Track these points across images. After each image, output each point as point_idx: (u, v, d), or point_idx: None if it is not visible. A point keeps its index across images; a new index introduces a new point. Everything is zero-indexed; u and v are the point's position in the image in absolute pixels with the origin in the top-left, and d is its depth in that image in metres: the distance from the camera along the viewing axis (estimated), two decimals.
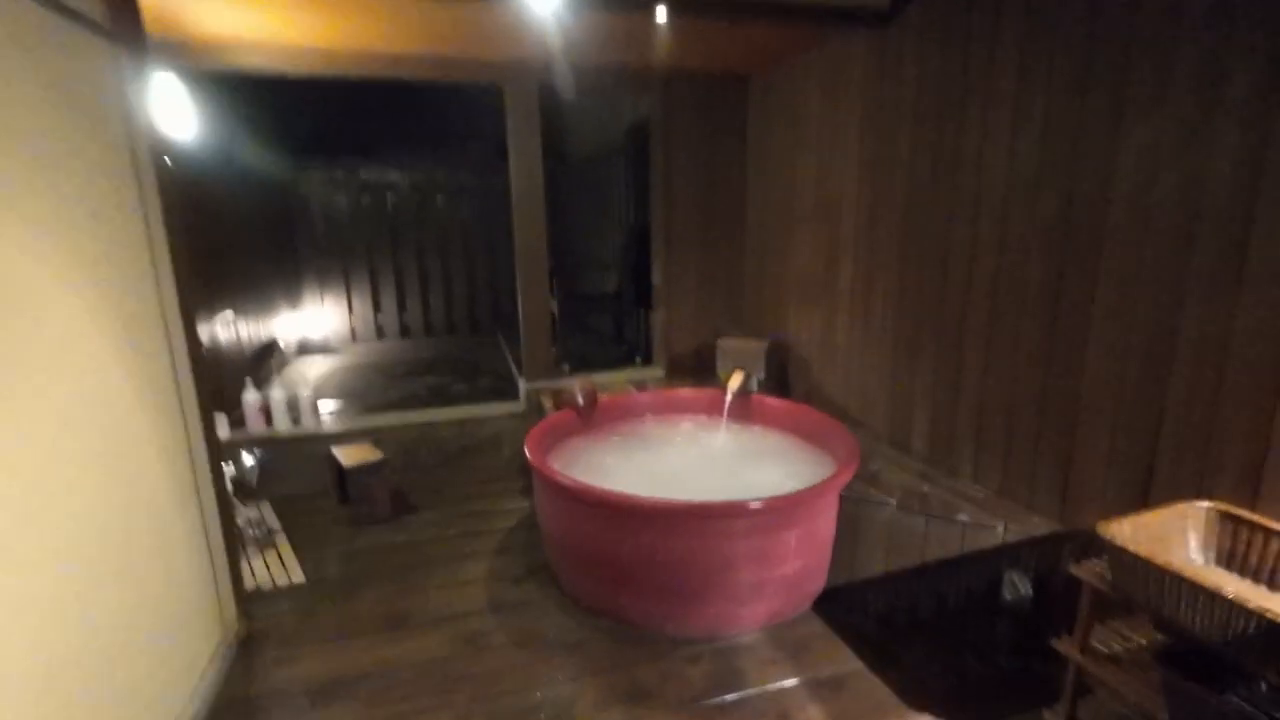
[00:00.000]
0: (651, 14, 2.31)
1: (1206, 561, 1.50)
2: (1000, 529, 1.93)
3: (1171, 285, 1.58)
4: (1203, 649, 1.28)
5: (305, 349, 5.61)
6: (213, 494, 2.05)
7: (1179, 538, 1.50)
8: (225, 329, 3.63)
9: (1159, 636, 1.54)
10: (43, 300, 1.31)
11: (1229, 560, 1.48)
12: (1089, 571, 1.50)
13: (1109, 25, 1.68)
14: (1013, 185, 1.99)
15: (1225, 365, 1.49)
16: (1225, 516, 1.48)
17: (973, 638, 2.00)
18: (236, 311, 3.91)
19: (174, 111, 2.54)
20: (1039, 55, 1.87)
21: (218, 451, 2.11)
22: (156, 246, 1.84)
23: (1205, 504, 1.50)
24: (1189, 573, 1.22)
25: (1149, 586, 1.31)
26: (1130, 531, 1.42)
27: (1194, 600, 1.23)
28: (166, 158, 2.35)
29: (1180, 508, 1.50)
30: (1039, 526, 1.92)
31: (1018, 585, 1.90)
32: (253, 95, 4.46)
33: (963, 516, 1.99)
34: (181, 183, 3.16)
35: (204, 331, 2.73)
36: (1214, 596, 1.19)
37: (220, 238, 3.82)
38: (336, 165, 5.63)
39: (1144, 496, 1.68)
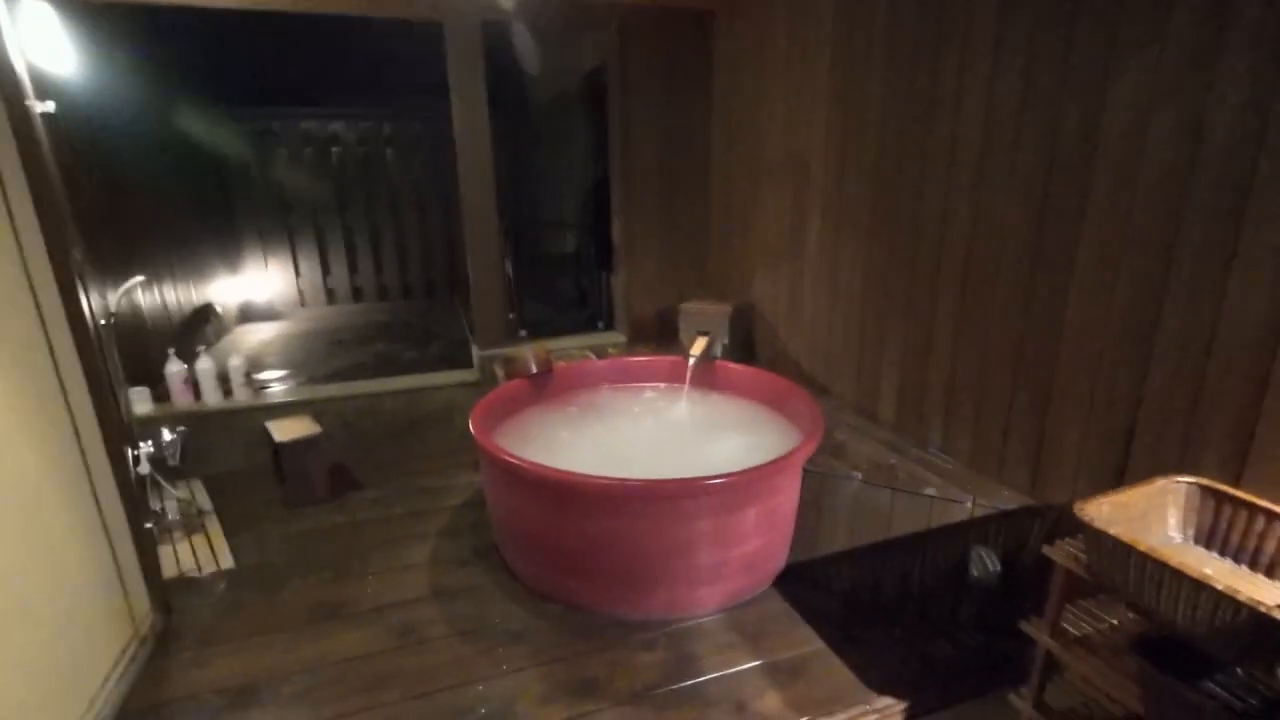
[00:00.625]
0: None
1: (1185, 540, 1.40)
2: (969, 504, 1.83)
3: (1161, 244, 1.45)
4: (1179, 636, 1.18)
5: (248, 315, 5.28)
6: (111, 478, 1.84)
7: (1158, 515, 1.40)
8: (145, 296, 3.33)
9: (1132, 618, 1.46)
10: None
11: (1209, 539, 1.38)
12: (1062, 553, 1.40)
13: None
14: (991, 133, 1.82)
15: (1215, 332, 1.37)
16: (1207, 492, 1.38)
17: (938, 616, 1.92)
18: (159, 276, 3.60)
19: (45, 46, 2.22)
20: None
21: (117, 430, 1.88)
22: (14, 204, 1.57)
23: (1186, 479, 1.39)
24: (1175, 561, 1.11)
25: (1130, 572, 1.20)
26: (1109, 511, 1.31)
27: (1178, 589, 1.13)
28: (44, 101, 2.05)
29: (1160, 484, 1.40)
30: (1009, 500, 1.82)
31: (985, 561, 1.81)
32: (172, 36, 4.03)
33: (930, 490, 1.88)
34: (77, 132, 2.83)
35: (114, 300, 2.45)
36: (1200, 586, 1.09)
37: (134, 196, 3.47)
38: (273, 115, 5.20)
39: (1121, 471, 1.57)
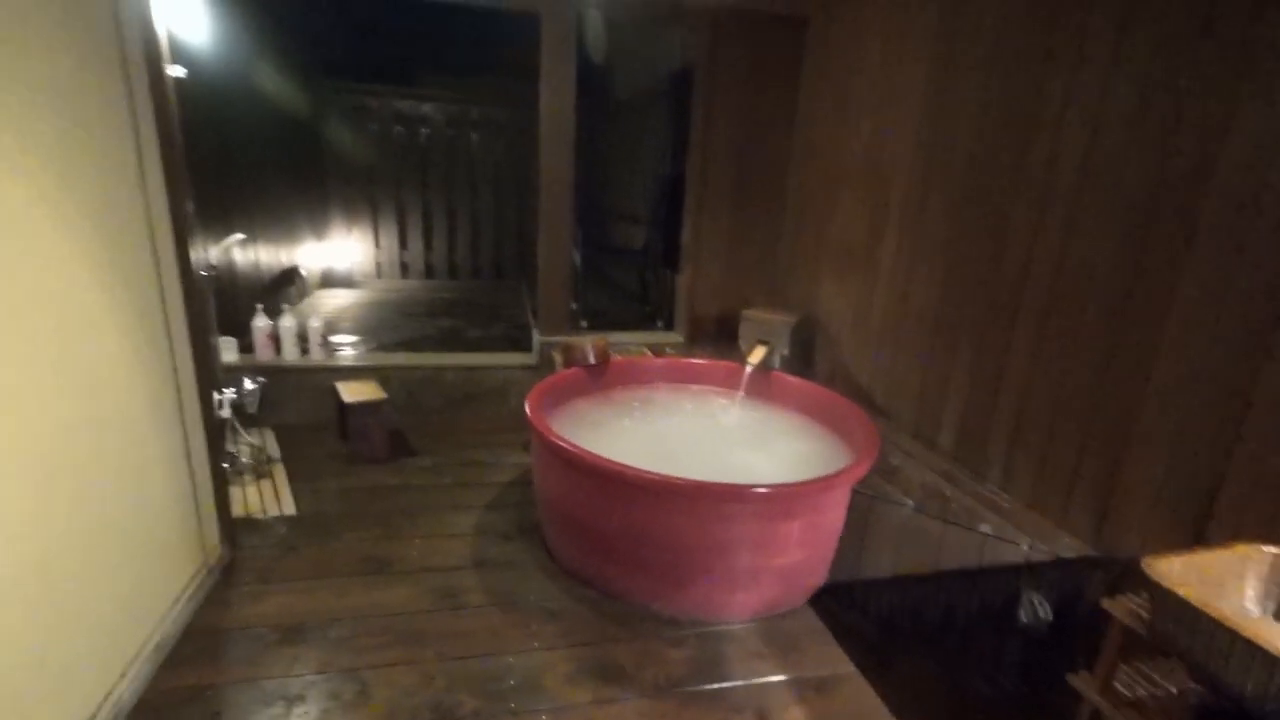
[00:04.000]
0: None
1: (1264, 613, 1.31)
2: (1025, 546, 1.76)
3: (1273, 290, 1.35)
4: (1242, 709, 1.11)
5: (329, 281, 5.57)
6: (199, 418, 1.99)
7: (1235, 584, 1.31)
8: (240, 253, 3.56)
9: (1193, 686, 1.38)
10: None
11: None
12: (1123, 608, 1.33)
13: None
14: (1095, 157, 1.74)
15: None
16: None
17: (979, 656, 1.86)
18: (254, 236, 3.84)
19: (183, 14, 2.40)
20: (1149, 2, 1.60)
21: (209, 375, 2.03)
22: (146, 158, 1.72)
23: (1273, 549, 1.30)
24: (1249, 630, 1.05)
25: (1198, 638, 1.13)
26: (1180, 571, 1.24)
27: (1249, 661, 1.06)
28: (177, 66, 2.22)
29: (1242, 550, 1.31)
30: (1069, 548, 1.74)
31: (1037, 608, 1.74)
32: (285, 9, 4.29)
33: (985, 527, 1.82)
34: (196, 96, 3.05)
35: (214, 254, 2.64)
36: (1275, 661, 1.02)
37: (239, 158, 3.72)
38: (370, 92, 5.45)
39: (1199, 533, 1.48)
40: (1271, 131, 1.35)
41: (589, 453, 1.92)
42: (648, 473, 1.83)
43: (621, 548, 1.98)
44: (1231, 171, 1.43)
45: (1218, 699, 1.32)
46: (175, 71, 2.16)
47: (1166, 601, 1.19)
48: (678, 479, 1.82)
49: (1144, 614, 1.30)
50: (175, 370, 1.87)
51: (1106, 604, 1.35)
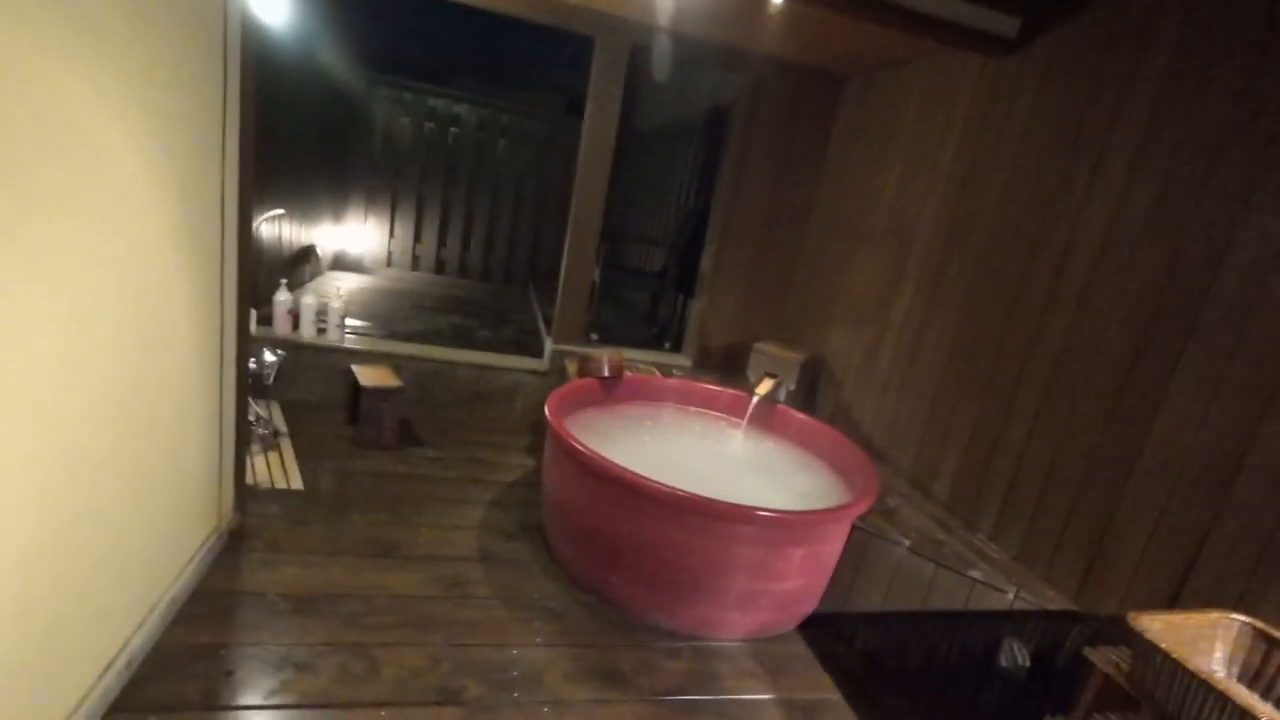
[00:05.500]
0: None
1: (1228, 675, 1.43)
2: (1011, 595, 1.87)
3: (1266, 385, 1.49)
4: None
5: (340, 263, 5.60)
6: (234, 384, 2.03)
7: (1205, 645, 1.43)
8: (271, 226, 3.61)
9: None
10: (106, 150, 1.27)
11: (1252, 680, 1.41)
12: (1104, 657, 1.44)
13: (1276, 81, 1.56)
14: (1109, 245, 1.89)
15: None
16: (1260, 635, 1.41)
17: (958, 696, 1.95)
18: (285, 212, 3.89)
19: None
20: (1176, 109, 1.76)
21: (246, 344, 2.08)
22: (229, 126, 1.80)
23: (1241, 618, 1.43)
24: (1223, 686, 1.16)
25: (1175, 689, 1.24)
26: (1159, 629, 1.35)
27: (1221, 714, 1.17)
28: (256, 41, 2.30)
29: (1214, 615, 1.43)
30: (1053, 601, 1.85)
31: (1017, 654, 1.84)
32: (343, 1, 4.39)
33: (975, 573, 1.93)
34: (259, 70, 3.13)
35: (253, 225, 2.69)
36: (1245, 715, 1.13)
37: (278, 135, 3.78)
38: (406, 87, 5.56)
39: (1174, 597, 1.60)
40: (1273, 246, 1.51)
41: (608, 460, 2.00)
42: (663, 485, 1.91)
43: (627, 557, 2.05)
44: (1233, 275, 1.58)
45: None
46: None
47: (1150, 655, 1.29)
48: (695, 495, 1.90)
49: (1123, 665, 1.41)
50: (221, 333, 1.92)
51: (1089, 653, 1.46)
